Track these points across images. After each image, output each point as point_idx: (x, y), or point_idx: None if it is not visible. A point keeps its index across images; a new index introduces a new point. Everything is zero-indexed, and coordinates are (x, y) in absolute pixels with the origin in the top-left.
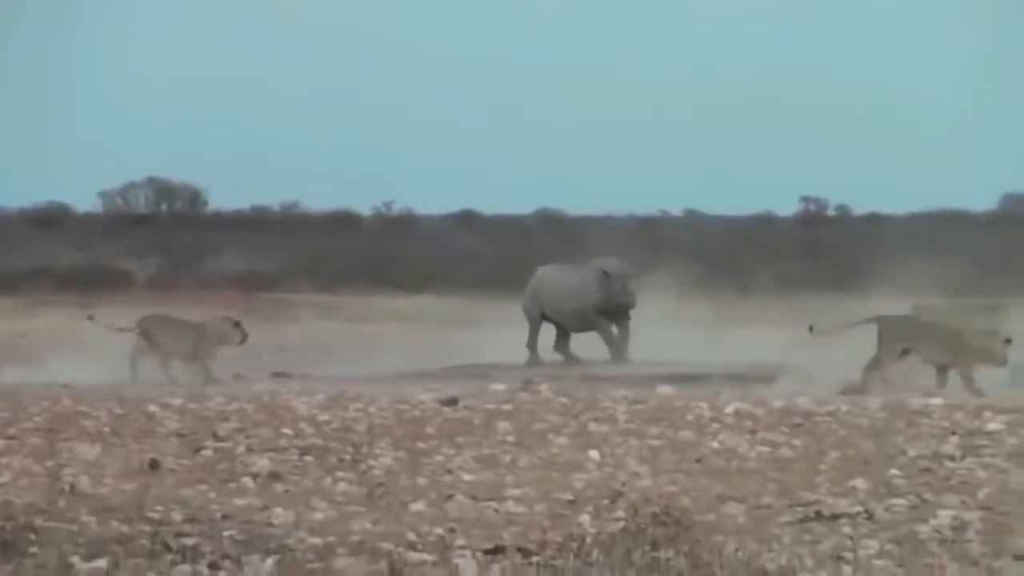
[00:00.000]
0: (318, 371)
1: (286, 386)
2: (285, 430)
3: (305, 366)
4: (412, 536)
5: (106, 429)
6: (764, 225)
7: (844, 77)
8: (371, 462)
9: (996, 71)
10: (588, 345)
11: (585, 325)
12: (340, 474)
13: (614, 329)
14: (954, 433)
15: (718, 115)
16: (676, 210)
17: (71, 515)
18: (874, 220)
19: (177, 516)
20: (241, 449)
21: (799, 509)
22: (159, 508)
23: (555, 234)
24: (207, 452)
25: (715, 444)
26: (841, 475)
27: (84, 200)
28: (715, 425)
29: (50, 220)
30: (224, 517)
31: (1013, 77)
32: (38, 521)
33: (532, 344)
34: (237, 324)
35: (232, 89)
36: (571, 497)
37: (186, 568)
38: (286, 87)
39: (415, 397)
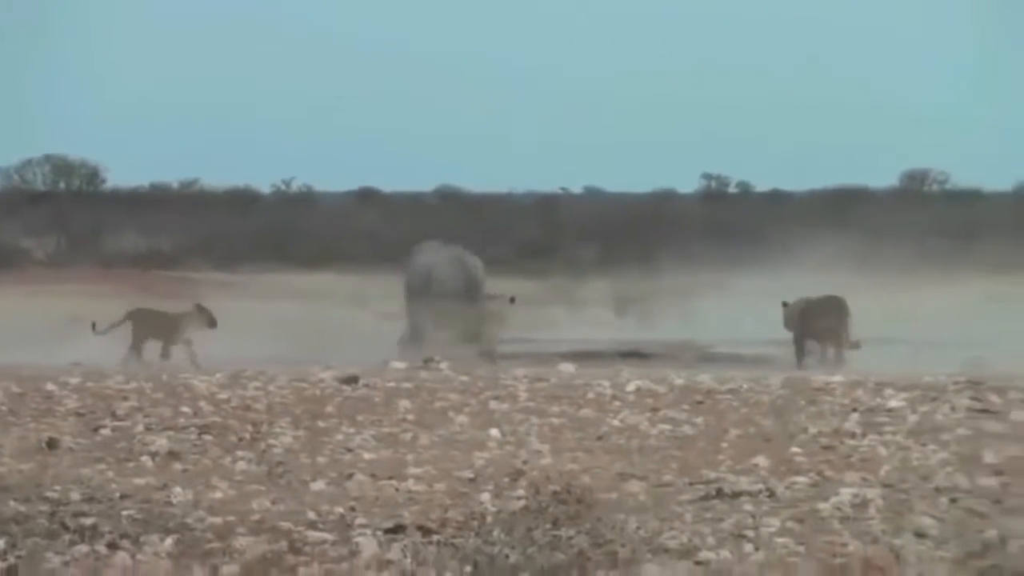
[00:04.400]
0: (217, 350)
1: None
2: (184, 409)
3: (204, 345)
4: (312, 515)
5: (3, 408)
6: (665, 202)
7: (745, 53)
8: (271, 441)
9: (898, 47)
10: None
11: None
12: (240, 453)
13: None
14: (855, 411)
15: (618, 91)
16: (576, 187)
17: None
18: (776, 197)
19: (75, 495)
20: (140, 428)
21: (700, 487)
22: (57, 487)
23: (454, 211)
24: (105, 431)
25: (616, 422)
26: (742, 453)
27: None
28: (616, 403)
29: None
30: (123, 496)
31: (916, 54)
32: None
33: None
34: (203, 309)
35: (131, 67)
36: (472, 475)
37: (84, 548)
38: (186, 64)
39: (315, 375)
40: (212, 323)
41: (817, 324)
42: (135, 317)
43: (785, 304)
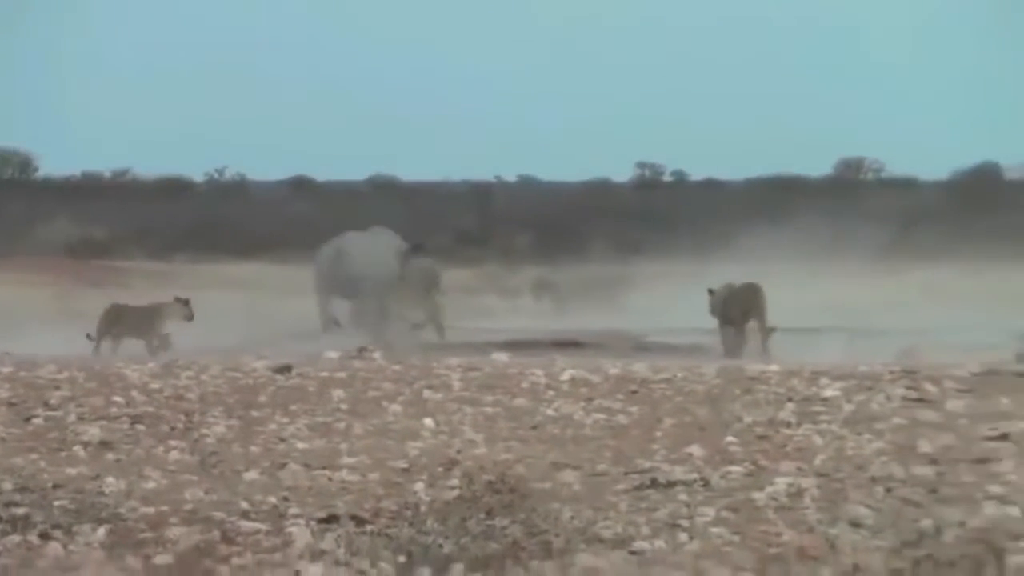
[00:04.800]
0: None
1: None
2: (116, 398)
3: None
4: (245, 505)
5: None
6: (600, 191)
7: (680, 43)
8: (204, 430)
9: (833, 37)
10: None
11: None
12: (172, 443)
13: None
14: (790, 400)
15: (553, 81)
16: (511, 176)
17: None
18: (710, 186)
19: (7, 485)
20: (72, 418)
21: (635, 476)
22: None
23: (388, 200)
24: (38, 421)
25: (551, 411)
26: (677, 442)
27: None
28: (551, 392)
29: None
30: (55, 486)
31: (852, 44)
32: None
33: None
34: (186, 303)
35: (61, 55)
36: (406, 465)
37: (16, 538)
38: (117, 52)
39: (248, 365)
40: (190, 316)
41: (733, 311)
42: (108, 312)
43: (711, 291)
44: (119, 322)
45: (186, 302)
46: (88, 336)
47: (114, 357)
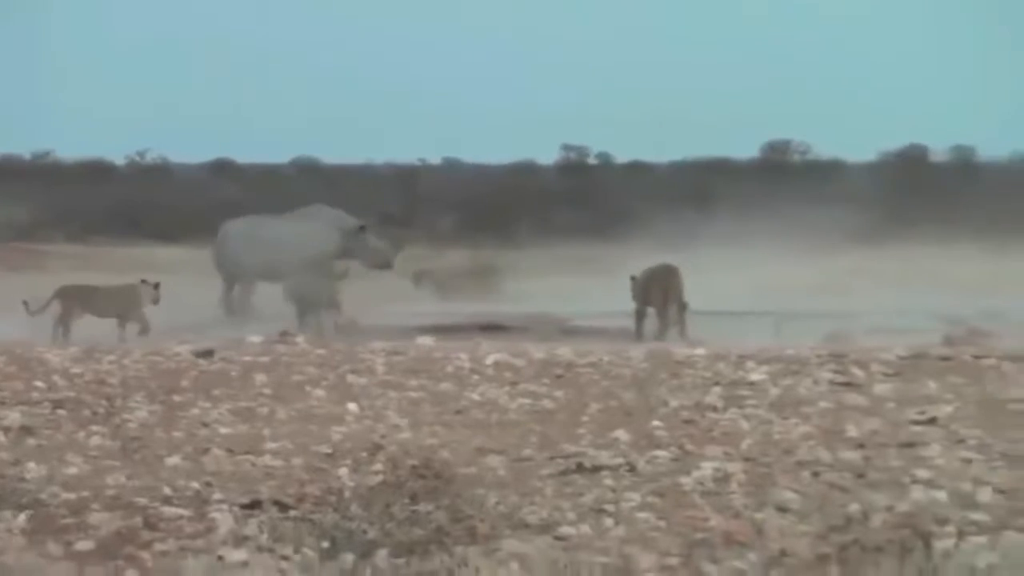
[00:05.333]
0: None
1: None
2: (37, 383)
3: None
4: (168, 490)
5: None
6: (525, 174)
7: (607, 24)
8: (125, 415)
9: (759, 17)
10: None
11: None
12: (94, 428)
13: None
14: (717, 384)
15: (477, 63)
16: (435, 158)
17: None
18: (636, 169)
19: None
20: None
21: (561, 461)
22: None
23: (312, 183)
24: None
25: (476, 396)
26: (603, 427)
27: None
28: (475, 377)
29: None
30: None
31: (777, 25)
32: None
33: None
34: (156, 286)
35: None
36: (329, 450)
37: None
38: (38, 32)
39: (170, 349)
40: (157, 300)
41: (653, 293)
42: (64, 293)
43: (633, 278)
44: (89, 303)
45: (156, 285)
46: (25, 304)
47: (64, 340)
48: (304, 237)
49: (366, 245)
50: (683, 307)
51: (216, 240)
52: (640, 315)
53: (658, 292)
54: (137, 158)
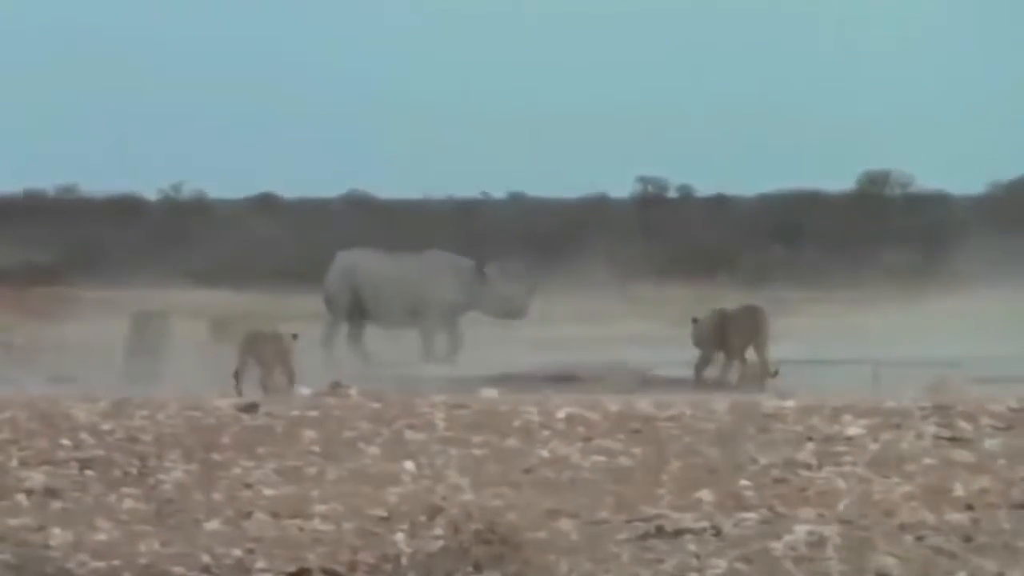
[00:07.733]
0: (98, 376)
1: (65, 391)
2: (63, 441)
3: (87, 369)
4: (206, 558)
5: None
6: (596, 207)
7: (689, 52)
8: (160, 476)
9: (855, 38)
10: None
11: (410, 323)
12: (125, 490)
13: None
14: (810, 439)
15: (542, 91)
16: (499, 192)
17: None
18: (720, 202)
19: None
20: (14, 463)
21: (639, 524)
22: None
23: (365, 219)
24: None
25: (545, 453)
26: (685, 486)
27: None
28: (545, 432)
29: None
30: None
31: (875, 48)
32: None
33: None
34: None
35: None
36: (384, 513)
37: None
38: (59, 57)
39: (209, 403)
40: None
41: (732, 338)
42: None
43: (695, 320)
44: (255, 350)
45: (294, 336)
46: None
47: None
48: (436, 281)
49: (491, 291)
50: (767, 361)
51: (333, 270)
52: (704, 363)
53: (739, 336)
54: (171, 193)
